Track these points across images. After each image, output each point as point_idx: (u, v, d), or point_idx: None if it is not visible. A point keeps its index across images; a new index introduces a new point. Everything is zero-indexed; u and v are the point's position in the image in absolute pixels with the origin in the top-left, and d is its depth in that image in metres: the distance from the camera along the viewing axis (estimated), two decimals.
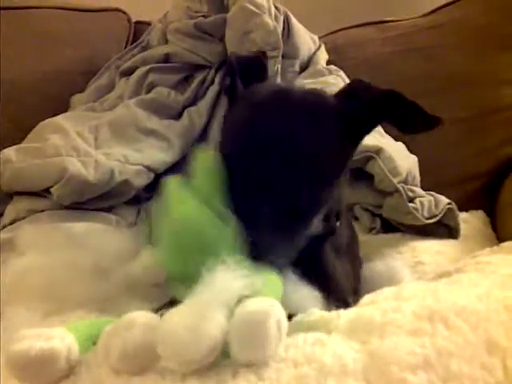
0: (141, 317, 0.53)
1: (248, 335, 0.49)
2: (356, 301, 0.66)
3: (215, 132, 1.28)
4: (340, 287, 0.77)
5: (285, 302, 0.63)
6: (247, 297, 0.53)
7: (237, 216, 0.63)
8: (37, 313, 0.70)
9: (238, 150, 0.67)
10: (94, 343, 0.56)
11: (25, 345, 0.51)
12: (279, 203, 0.64)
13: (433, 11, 1.59)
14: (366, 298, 0.66)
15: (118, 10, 1.65)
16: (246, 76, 0.75)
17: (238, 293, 0.53)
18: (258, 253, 0.61)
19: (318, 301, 0.66)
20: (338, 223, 0.79)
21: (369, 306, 0.60)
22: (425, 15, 1.60)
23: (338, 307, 0.62)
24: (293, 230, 0.67)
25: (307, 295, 0.66)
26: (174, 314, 0.51)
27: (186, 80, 1.37)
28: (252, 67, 0.77)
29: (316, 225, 0.71)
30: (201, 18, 1.40)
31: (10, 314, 0.68)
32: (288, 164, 0.64)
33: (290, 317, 0.58)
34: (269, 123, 0.65)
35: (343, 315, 0.58)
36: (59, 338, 0.53)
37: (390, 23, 1.59)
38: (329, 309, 0.63)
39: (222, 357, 0.51)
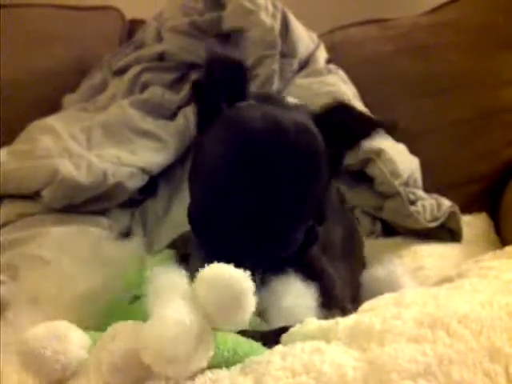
0: (124, 326, 0.52)
1: (230, 301, 0.49)
2: (356, 307, 0.65)
3: None
4: (333, 293, 0.75)
5: (282, 313, 0.63)
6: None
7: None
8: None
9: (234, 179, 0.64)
10: None
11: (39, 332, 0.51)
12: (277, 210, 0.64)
13: (433, 10, 1.58)
14: (365, 305, 0.65)
15: (111, 7, 1.63)
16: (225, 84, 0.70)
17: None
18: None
19: (315, 310, 0.65)
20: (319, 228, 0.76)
21: (368, 313, 0.59)
22: (425, 14, 1.59)
23: (334, 314, 0.61)
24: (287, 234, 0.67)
25: (304, 304, 0.65)
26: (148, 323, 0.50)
27: (181, 79, 1.35)
28: (233, 77, 0.71)
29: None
30: (196, 15, 1.38)
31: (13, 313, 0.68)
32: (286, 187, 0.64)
33: (286, 328, 0.58)
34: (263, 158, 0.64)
35: (342, 322, 0.56)
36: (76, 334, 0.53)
37: (389, 21, 1.58)
38: (324, 317, 0.62)
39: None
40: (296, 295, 0.65)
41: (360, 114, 0.75)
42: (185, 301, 0.50)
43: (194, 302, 0.50)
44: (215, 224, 0.64)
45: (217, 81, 0.70)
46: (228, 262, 0.56)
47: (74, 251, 0.85)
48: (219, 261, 0.55)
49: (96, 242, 0.94)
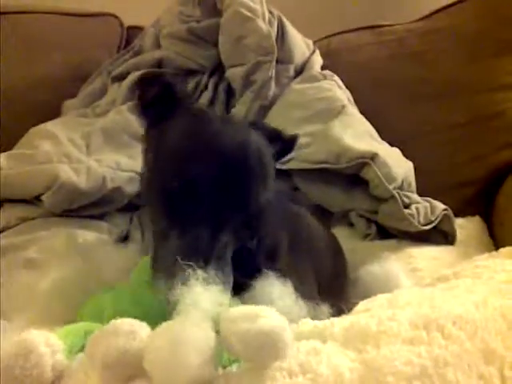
0: (125, 324, 0.52)
1: (264, 349, 0.48)
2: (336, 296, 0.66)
3: None
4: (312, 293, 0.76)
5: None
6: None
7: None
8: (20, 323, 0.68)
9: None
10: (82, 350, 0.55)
11: (9, 349, 0.50)
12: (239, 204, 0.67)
13: (427, 16, 1.59)
14: (360, 306, 0.65)
15: (110, 14, 1.63)
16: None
17: (218, 304, 0.53)
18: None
19: (305, 309, 0.65)
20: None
21: (364, 314, 0.60)
22: (420, 20, 1.60)
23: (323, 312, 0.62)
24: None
25: (298, 305, 0.65)
26: (157, 334, 0.50)
27: None
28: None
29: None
30: (194, 22, 1.39)
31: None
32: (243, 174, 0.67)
33: None
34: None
35: (337, 323, 0.57)
36: (46, 343, 0.52)
37: (385, 27, 1.59)
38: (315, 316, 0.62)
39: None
40: (290, 296, 0.65)
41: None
42: (206, 321, 0.50)
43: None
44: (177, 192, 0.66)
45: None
46: (188, 225, 0.61)
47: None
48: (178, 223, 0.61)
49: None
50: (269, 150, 0.72)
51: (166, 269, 0.61)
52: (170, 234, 0.64)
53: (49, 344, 0.52)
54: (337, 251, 1.03)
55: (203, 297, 0.54)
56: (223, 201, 0.64)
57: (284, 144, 0.80)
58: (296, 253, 0.81)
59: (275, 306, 0.61)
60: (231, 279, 0.63)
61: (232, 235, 0.66)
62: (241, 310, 0.51)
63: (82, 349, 0.55)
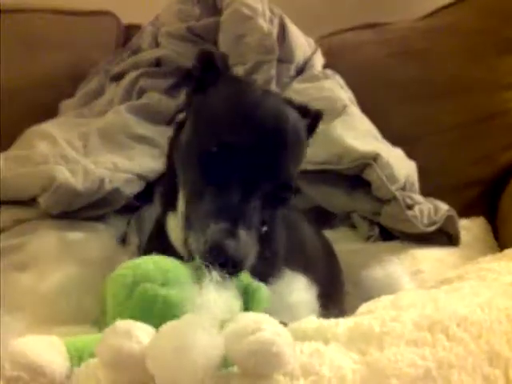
0: (122, 324, 0.51)
1: (265, 361, 0.48)
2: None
3: None
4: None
5: (287, 309, 0.65)
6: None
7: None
8: (27, 322, 0.69)
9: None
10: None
11: (15, 353, 0.50)
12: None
13: (429, 14, 1.59)
14: (363, 307, 0.66)
15: (108, 13, 1.62)
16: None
17: (228, 309, 0.54)
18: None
19: (313, 307, 0.67)
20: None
21: (367, 315, 0.59)
22: (421, 18, 1.60)
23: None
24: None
25: (307, 301, 0.67)
26: (163, 335, 0.50)
27: (178, 85, 1.34)
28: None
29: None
30: (193, 21, 1.39)
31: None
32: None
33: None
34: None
35: (342, 324, 0.57)
36: (50, 350, 0.52)
37: (386, 26, 1.59)
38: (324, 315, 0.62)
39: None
40: (299, 292, 0.68)
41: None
42: (214, 324, 0.51)
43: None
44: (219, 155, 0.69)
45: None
46: (222, 186, 0.66)
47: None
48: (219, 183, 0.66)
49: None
50: (303, 125, 0.77)
51: (200, 227, 0.65)
52: (204, 195, 0.68)
53: (50, 354, 0.52)
54: (332, 259, 1.03)
55: (215, 301, 0.55)
56: (256, 167, 0.68)
57: (311, 119, 0.84)
58: (291, 261, 0.81)
59: (296, 300, 0.65)
60: (256, 242, 0.67)
61: (260, 202, 0.69)
62: (243, 321, 0.51)
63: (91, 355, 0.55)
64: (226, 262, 0.62)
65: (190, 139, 0.75)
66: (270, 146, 0.69)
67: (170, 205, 0.79)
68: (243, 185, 0.68)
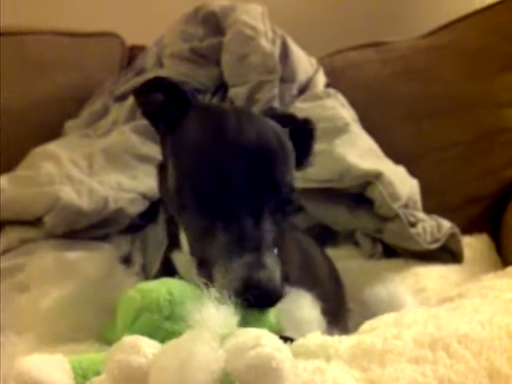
0: (130, 340, 0.52)
1: (262, 376, 0.48)
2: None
3: None
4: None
5: (296, 324, 0.65)
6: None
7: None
8: (30, 342, 0.69)
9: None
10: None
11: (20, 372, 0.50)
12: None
13: (430, 33, 1.59)
14: (366, 325, 0.65)
15: (112, 33, 1.63)
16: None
17: (228, 326, 0.54)
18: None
19: (321, 323, 0.67)
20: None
21: (369, 333, 0.59)
22: (422, 37, 1.60)
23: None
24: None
25: (315, 317, 0.67)
26: (166, 349, 0.50)
27: None
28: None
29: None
30: (196, 41, 1.40)
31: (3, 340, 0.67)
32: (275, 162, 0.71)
33: (290, 339, 0.58)
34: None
35: (344, 341, 0.57)
36: (55, 369, 0.52)
37: (387, 45, 1.59)
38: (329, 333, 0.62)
39: None
40: (309, 307, 0.67)
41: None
42: (214, 340, 0.51)
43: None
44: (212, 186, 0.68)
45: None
46: (232, 217, 0.65)
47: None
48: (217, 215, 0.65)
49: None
50: (284, 131, 0.76)
51: (222, 264, 0.63)
52: (213, 231, 0.66)
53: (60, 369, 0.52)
54: (334, 276, 1.03)
55: (214, 317, 0.55)
56: (258, 188, 0.68)
57: (298, 124, 0.83)
58: (298, 279, 0.81)
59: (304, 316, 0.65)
60: (279, 264, 0.65)
61: (269, 222, 0.68)
62: (243, 336, 0.51)
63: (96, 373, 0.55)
64: (262, 295, 0.61)
65: (179, 183, 0.72)
66: (261, 163, 0.69)
67: (174, 244, 0.77)
68: (249, 210, 0.66)
